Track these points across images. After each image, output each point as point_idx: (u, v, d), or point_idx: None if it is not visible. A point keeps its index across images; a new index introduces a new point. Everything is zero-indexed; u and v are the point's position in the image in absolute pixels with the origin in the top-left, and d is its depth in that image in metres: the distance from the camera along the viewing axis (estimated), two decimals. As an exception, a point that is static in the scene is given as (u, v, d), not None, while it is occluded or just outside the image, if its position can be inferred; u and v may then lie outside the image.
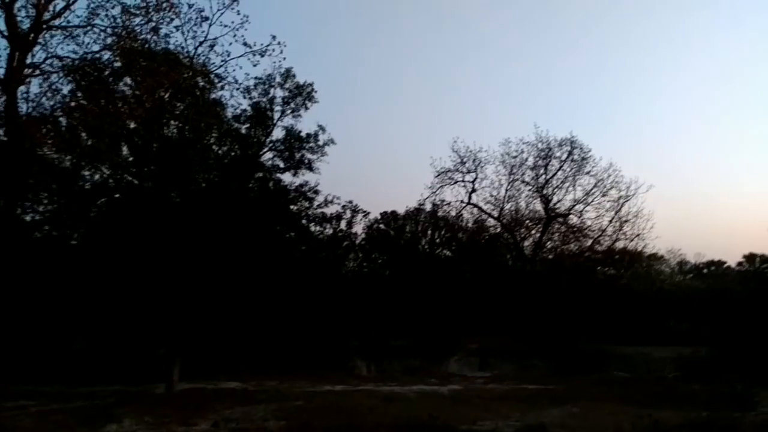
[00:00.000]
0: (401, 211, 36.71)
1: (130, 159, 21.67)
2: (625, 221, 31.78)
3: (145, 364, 19.01)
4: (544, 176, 32.87)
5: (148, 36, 16.22)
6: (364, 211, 33.96)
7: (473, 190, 33.73)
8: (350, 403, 15.37)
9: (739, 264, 40.94)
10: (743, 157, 69.87)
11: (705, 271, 46.28)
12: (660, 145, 72.02)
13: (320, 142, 27.61)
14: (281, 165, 27.54)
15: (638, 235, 31.89)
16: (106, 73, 16.79)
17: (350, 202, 32.44)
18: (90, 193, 21.58)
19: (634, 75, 77.86)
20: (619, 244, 32.69)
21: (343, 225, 32.85)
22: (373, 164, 68.65)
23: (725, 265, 44.73)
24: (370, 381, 21.34)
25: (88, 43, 15.85)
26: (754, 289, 32.58)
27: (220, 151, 25.17)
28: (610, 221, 32.09)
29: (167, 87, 16.72)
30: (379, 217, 36.60)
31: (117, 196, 22.37)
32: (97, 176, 21.39)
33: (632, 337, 29.64)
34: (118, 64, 16.51)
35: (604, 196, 32.07)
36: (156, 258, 18.82)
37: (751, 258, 40.45)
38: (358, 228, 34.28)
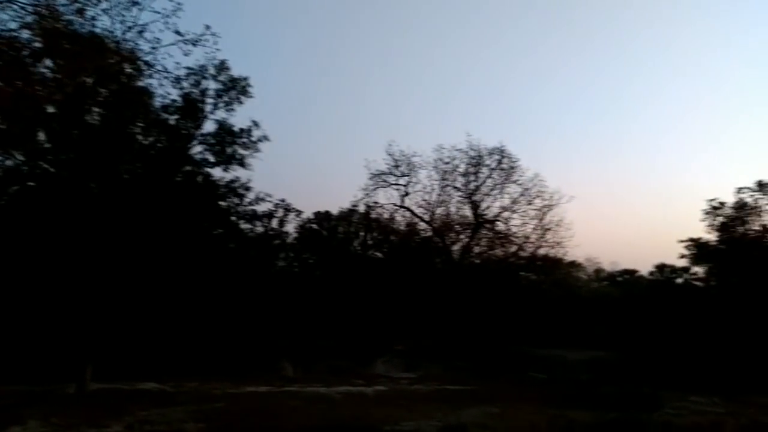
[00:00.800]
0: (335, 211, 36.73)
1: (47, 146, 20.38)
2: (548, 229, 33.19)
3: (56, 364, 17.92)
4: (474, 183, 33.82)
5: (73, 17, 15.30)
6: (297, 210, 33.61)
7: (406, 194, 34.19)
8: (273, 404, 15.17)
9: (651, 273, 43.45)
10: (660, 171, 74.74)
11: (619, 279, 48.93)
12: (582, 157, 75.81)
13: (254, 138, 26.98)
14: (211, 159, 26.65)
15: (559, 243, 33.39)
16: (25, 53, 15.70)
17: (283, 200, 32.03)
18: (0, 180, 20.14)
19: (558, 90, 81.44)
20: (542, 251, 34.02)
21: (274, 223, 32.40)
22: (308, 163, 68.15)
23: (637, 274, 47.39)
24: (295, 382, 21.09)
25: (6, 21, 14.75)
26: (662, 298, 34.90)
27: (145, 142, 24.10)
28: (534, 229, 33.42)
29: (91, 72, 15.83)
30: (312, 216, 36.40)
31: (31, 184, 20.98)
32: (9, 162, 20.00)
33: (551, 340, 31.01)
34: (39, 44, 15.47)
35: (529, 204, 33.37)
36: (70, 251, 17.79)
37: (661, 267, 43.08)
38: (291, 227, 33.92)
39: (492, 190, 33.75)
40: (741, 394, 20.33)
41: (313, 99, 77.25)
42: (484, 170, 33.64)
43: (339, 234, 36.54)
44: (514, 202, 33.55)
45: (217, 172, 26.88)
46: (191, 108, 25.40)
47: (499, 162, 33.41)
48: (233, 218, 28.21)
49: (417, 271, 35.23)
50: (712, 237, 32.78)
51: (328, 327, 29.13)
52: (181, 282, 21.68)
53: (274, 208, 31.21)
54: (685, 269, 37.84)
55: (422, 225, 35.49)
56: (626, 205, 72.21)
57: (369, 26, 79.57)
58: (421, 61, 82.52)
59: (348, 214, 36.32)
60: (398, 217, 35.55)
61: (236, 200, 27.79)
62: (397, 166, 33.84)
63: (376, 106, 77.65)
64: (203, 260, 23.05)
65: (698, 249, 33.63)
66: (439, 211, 34.41)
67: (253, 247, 30.00)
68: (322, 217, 36.34)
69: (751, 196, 31.57)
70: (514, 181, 33.41)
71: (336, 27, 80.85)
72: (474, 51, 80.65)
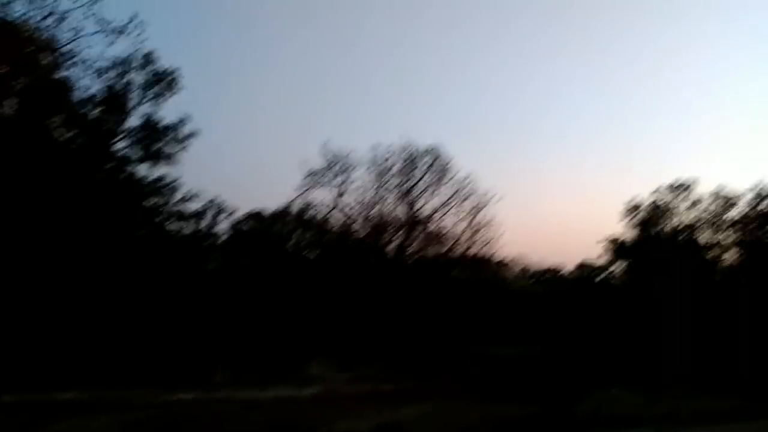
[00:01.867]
0: (269, 211, 36.01)
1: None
2: (479, 229, 34.09)
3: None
4: (408, 183, 34.22)
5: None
6: (229, 210, 32.70)
7: (341, 194, 34.12)
8: (203, 411, 14.66)
9: (572, 272, 45.48)
10: (584, 172, 78.38)
11: (544, 277, 50.82)
12: (511, 158, 78.30)
13: (182, 134, 25.96)
14: (136, 156, 25.40)
15: (489, 242, 34.38)
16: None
17: (214, 199, 31.07)
18: None
19: (490, 91, 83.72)
20: (473, 250, 34.89)
21: (205, 223, 31.35)
22: (243, 161, 66.36)
23: (561, 272, 49.42)
24: (226, 387, 20.51)
25: None
26: (583, 295, 36.66)
27: (64, 137, 22.64)
28: (466, 228, 34.24)
29: (4, 60, 14.71)
30: (245, 216, 35.55)
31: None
32: None
33: (483, 337, 31.77)
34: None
35: (461, 204, 34.15)
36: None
37: (582, 266, 45.23)
38: (223, 227, 32.95)
39: (426, 189, 34.32)
40: (659, 385, 21.68)
41: (249, 95, 75.42)
42: (419, 170, 34.15)
43: (273, 234, 35.86)
44: (447, 201, 34.27)
45: (142, 170, 25.74)
46: (115, 101, 24.07)
47: (433, 162, 34.01)
48: (159, 218, 27.07)
49: (352, 271, 35.19)
50: (629, 236, 34.80)
51: (261, 329, 28.49)
52: (98, 285, 20.49)
53: (204, 208, 30.22)
54: (605, 267, 39.83)
55: (357, 225, 35.55)
56: (552, 206, 75.30)
57: (308, 21, 78.50)
58: (358, 59, 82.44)
59: (282, 214, 35.73)
60: (333, 217, 35.44)
61: (162, 199, 26.69)
62: (332, 166, 33.73)
63: (312, 104, 76.83)
64: (123, 262, 21.89)
65: (616, 247, 35.54)
66: (374, 211, 34.59)
67: (182, 248, 28.89)
68: (255, 217, 35.55)
69: (666, 197, 33.82)
70: (448, 181, 34.12)
71: (274, 20, 79.31)
72: (412, 51, 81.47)
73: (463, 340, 30.88)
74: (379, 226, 34.76)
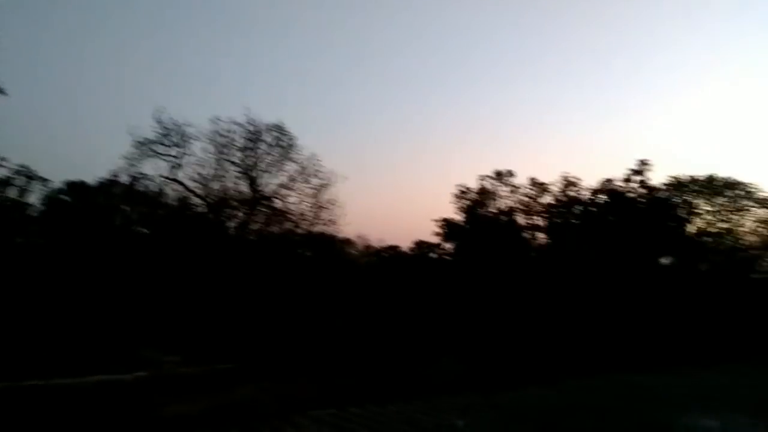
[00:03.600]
0: (92, 181, 32.66)
1: None
2: (323, 207, 34.38)
3: None
4: (252, 158, 33.20)
5: None
6: (43, 179, 29.01)
7: (178, 166, 32.01)
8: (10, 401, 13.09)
9: (411, 249, 48.12)
10: (422, 156, 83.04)
11: (385, 254, 53.08)
12: (356, 142, 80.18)
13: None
14: None
15: (333, 221, 34.88)
16: None
17: (24, 166, 27.36)
18: None
19: (337, 78, 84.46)
20: (317, 229, 35.14)
21: (12, 193, 27.52)
22: (59, 126, 59.16)
23: (399, 250, 52.00)
24: (38, 375, 18.40)
25: None
26: (420, 271, 39.03)
27: None
28: (310, 207, 34.31)
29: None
30: (64, 186, 31.83)
31: None
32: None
33: (327, 313, 32.23)
34: None
35: (306, 182, 34.07)
36: None
37: (419, 244, 48.06)
38: (35, 198, 29.20)
39: (270, 166, 33.61)
40: (479, 353, 24.05)
41: (74, 55, 67.00)
42: (262, 146, 33.28)
43: (97, 207, 32.61)
44: (292, 179, 33.95)
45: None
46: None
47: (278, 139, 33.38)
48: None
49: (189, 248, 33.43)
50: (459, 217, 37.78)
51: (82, 309, 25.96)
52: None
53: (11, 175, 26.48)
54: (438, 245, 42.76)
55: (196, 200, 33.71)
56: (392, 187, 78.87)
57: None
58: (196, 31, 77.51)
59: (109, 186, 32.62)
60: (168, 191, 33.19)
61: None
62: (167, 135, 31.41)
63: (145, 69, 70.74)
64: None
65: (448, 227, 38.34)
66: (214, 185, 33.01)
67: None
68: (75, 187, 32.00)
69: (491, 183, 37.25)
70: (292, 159, 33.76)
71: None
72: (253, 26, 78.64)
73: (306, 316, 31.12)
74: (220, 202, 33.36)
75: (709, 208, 35.39)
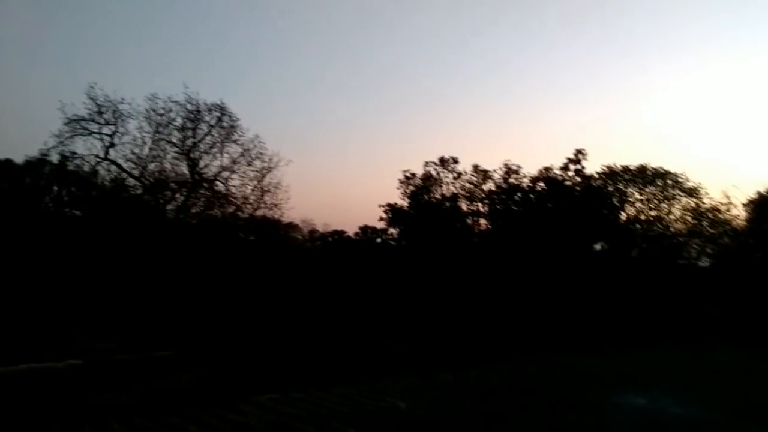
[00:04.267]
0: (19, 160, 30.80)
1: None
2: (267, 191, 33.81)
3: None
4: (192, 139, 32.17)
5: None
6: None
7: (112, 145, 30.64)
8: None
9: (356, 234, 48.22)
10: (370, 142, 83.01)
11: (330, 239, 52.95)
12: (303, 126, 79.15)
13: None
14: None
15: (277, 205, 34.36)
16: None
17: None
18: None
19: (283, 55, 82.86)
20: (261, 213, 34.57)
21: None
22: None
23: (345, 234, 52.03)
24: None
25: None
26: (365, 256, 39.22)
27: None
28: (253, 190, 33.65)
29: None
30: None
31: None
32: None
33: (272, 298, 31.88)
34: None
35: (249, 165, 33.36)
36: None
37: (364, 229, 48.21)
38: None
39: (211, 148, 32.69)
40: (422, 336, 24.48)
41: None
42: (203, 127, 32.30)
43: (24, 188, 30.81)
44: (234, 162, 33.16)
45: None
46: None
47: (219, 119, 32.46)
48: None
49: (125, 230, 32.15)
50: (404, 203, 38.09)
51: (9, 296, 24.57)
52: None
53: None
54: (384, 230, 43.02)
55: (131, 181, 32.41)
56: (338, 172, 78.53)
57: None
58: (136, 4, 73.95)
59: (38, 165, 30.86)
60: (102, 171, 31.75)
61: None
62: (100, 113, 29.98)
63: (80, 43, 66.98)
64: None
65: (393, 213, 38.61)
66: (151, 166, 31.82)
67: None
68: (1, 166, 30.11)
69: (436, 169, 37.70)
70: (235, 141, 32.95)
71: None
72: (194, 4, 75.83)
73: (249, 301, 30.65)
74: (158, 184, 32.19)
75: (640, 197, 37.21)
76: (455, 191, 37.54)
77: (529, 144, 76.42)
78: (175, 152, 32.11)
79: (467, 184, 37.55)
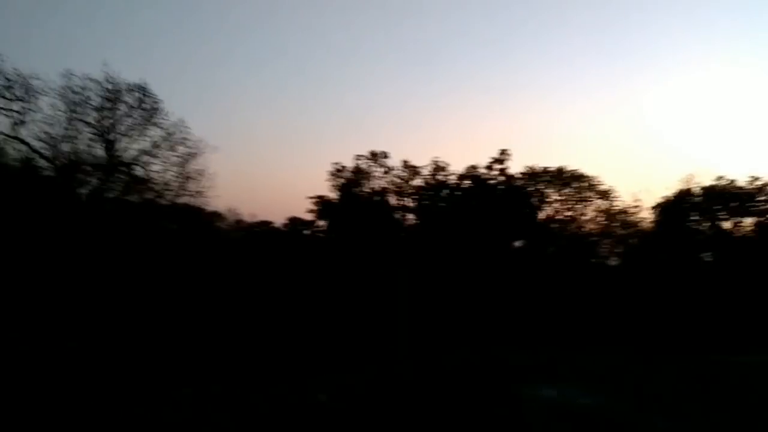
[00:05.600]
0: None
1: None
2: (190, 178, 32.52)
3: None
4: (110, 120, 30.37)
5: None
6: None
7: (21, 123, 28.41)
8: None
9: (283, 225, 47.56)
10: (303, 133, 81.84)
11: (256, 229, 51.91)
12: (231, 113, 76.94)
13: None
14: None
15: (201, 192, 33.16)
16: None
17: None
18: None
19: (216, 42, 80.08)
20: (183, 200, 33.26)
21: None
22: None
23: (272, 225, 51.16)
24: None
25: None
26: (292, 248, 38.80)
27: None
28: (176, 176, 32.27)
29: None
30: None
31: None
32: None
33: (196, 288, 30.82)
34: None
35: (171, 150, 31.92)
36: None
37: (292, 220, 47.64)
38: None
39: (131, 130, 30.94)
40: (348, 329, 24.53)
41: None
42: (123, 107, 30.54)
43: None
44: (155, 146, 31.62)
45: None
46: None
47: (141, 101, 30.80)
48: None
49: (33, 213, 29.96)
50: (334, 196, 37.97)
51: None
52: None
53: None
54: (312, 223, 42.70)
55: (42, 162, 30.19)
56: (269, 162, 77.04)
57: None
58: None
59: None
60: (10, 150, 29.35)
61: None
62: (9, 87, 27.71)
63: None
64: None
65: (323, 205, 38.43)
66: (65, 147, 29.75)
67: None
68: None
69: (366, 163, 37.82)
70: (156, 124, 31.38)
71: None
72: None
73: (168, 291, 29.50)
74: (71, 166, 30.18)
75: (557, 197, 39.08)
76: (385, 186, 37.86)
77: (458, 142, 78.17)
78: (91, 133, 30.21)
79: (397, 179, 37.96)
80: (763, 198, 34.61)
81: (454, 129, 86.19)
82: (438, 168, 37.71)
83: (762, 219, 34.75)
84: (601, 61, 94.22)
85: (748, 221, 35.27)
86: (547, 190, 38.86)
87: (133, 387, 12.94)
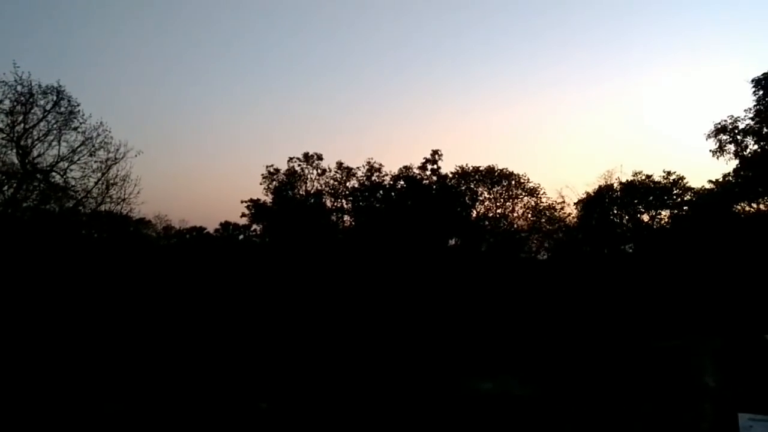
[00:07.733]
0: None
1: None
2: (113, 184, 30.95)
3: None
4: (23, 125, 28.45)
5: None
6: None
7: None
8: None
9: (216, 230, 46.40)
10: (235, 136, 79.77)
11: (188, 236, 50.37)
12: (157, 115, 74.00)
13: None
14: None
15: (125, 200, 31.62)
16: None
17: None
18: None
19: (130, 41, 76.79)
20: (105, 207, 31.66)
21: None
22: None
23: (205, 231, 49.84)
24: None
25: None
26: (226, 253, 37.90)
27: None
28: (96, 183, 30.64)
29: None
30: None
31: None
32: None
33: (125, 299, 29.48)
34: None
35: (91, 155, 30.26)
36: None
37: (226, 225, 46.56)
38: None
39: (46, 135, 29.08)
40: (286, 336, 24.20)
41: None
42: (37, 111, 28.67)
43: None
44: (74, 151, 29.86)
45: None
46: None
47: (56, 104, 29.03)
48: None
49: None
50: (268, 199, 37.38)
51: None
52: None
53: None
54: (247, 227, 41.90)
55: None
56: (198, 166, 74.70)
57: None
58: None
59: None
60: None
61: None
62: None
63: None
64: None
65: (257, 209, 37.74)
66: (-28, 153, 27.60)
67: None
68: None
69: (299, 165, 37.47)
70: (74, 128, 29.62)
71: None
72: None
73: (93, 302, 28.02)
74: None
75: (488, 196, 40.25)
76: (320, 188, 37.67)
77: (391, 143, 78.95)
78: (2, 139, 28.17)
79: (332, 181, 37.88)
80: (677, 192, 37.10)
81: (387, 131, 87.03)
82: (372, 169, 37.94)
83: (676, 211, 37.24)
84: (529, 65, 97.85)
85: (665, 214, 37.67)
86: (478, 189, 39.93)
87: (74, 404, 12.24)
